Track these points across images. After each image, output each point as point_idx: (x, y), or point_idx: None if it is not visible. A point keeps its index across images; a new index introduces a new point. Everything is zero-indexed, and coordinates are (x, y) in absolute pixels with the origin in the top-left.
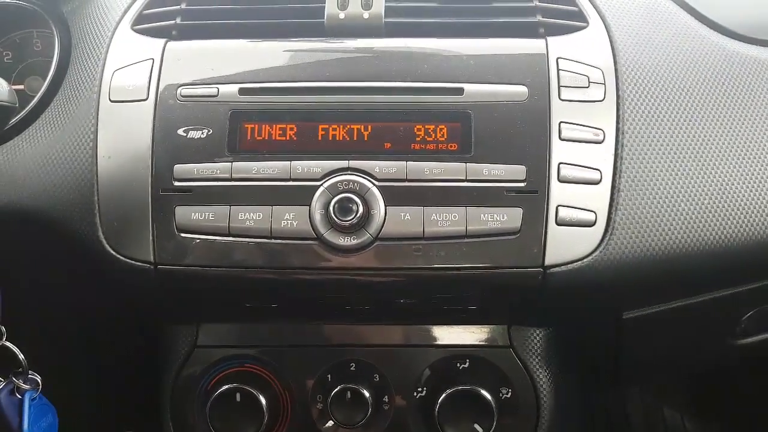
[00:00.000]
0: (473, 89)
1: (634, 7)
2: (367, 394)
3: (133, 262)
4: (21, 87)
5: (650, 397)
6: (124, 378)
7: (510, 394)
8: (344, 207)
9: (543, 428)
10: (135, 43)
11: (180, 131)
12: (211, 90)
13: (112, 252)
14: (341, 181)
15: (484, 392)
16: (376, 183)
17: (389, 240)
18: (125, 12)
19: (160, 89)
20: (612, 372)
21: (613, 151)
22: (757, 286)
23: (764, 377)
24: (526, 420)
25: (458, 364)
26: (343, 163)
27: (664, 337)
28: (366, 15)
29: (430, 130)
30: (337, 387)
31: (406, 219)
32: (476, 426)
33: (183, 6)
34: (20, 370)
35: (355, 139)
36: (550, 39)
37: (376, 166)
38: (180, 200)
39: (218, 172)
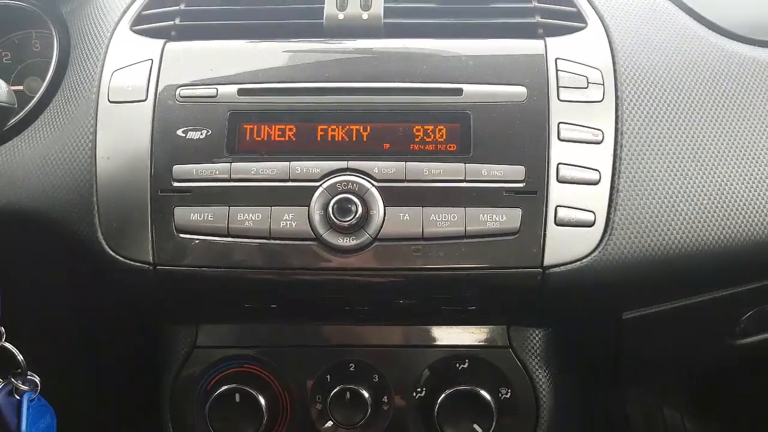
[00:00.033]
0: (472, 90)
1: (633, 8)
2: (366, 394)
3: (132, 262)
4: (20, 88)
5: (650, 397)
6: (123, 378)
7: (509, 394)
8: (343, 207)
9: (542, 428)
10: (134, 44)
11: (179, 132)
12: (210, 91)
13: (111, 252)
14: (340, 182)
15: (483, 392)
16: (375, 183)
17: (388, 240)
18: (124, 13)
19: (159, 90)
20: (612, 372)
21: (612, 152)
22: (756, 286)
23: (764, 377)
24: (526, 420)
25: (457, 365)
26: (342, 164)
27: (663, 337)
28: (365, 16)
29: (429, 131)
30: (336, 387)
31: (405, 219)
32: (475, 426)
33: (182, 7)
34: (19, 371)
35: (354, 139)
36: (548, 40)
37: (375, 166)
38: (179, 201)
39: (217, 172)
